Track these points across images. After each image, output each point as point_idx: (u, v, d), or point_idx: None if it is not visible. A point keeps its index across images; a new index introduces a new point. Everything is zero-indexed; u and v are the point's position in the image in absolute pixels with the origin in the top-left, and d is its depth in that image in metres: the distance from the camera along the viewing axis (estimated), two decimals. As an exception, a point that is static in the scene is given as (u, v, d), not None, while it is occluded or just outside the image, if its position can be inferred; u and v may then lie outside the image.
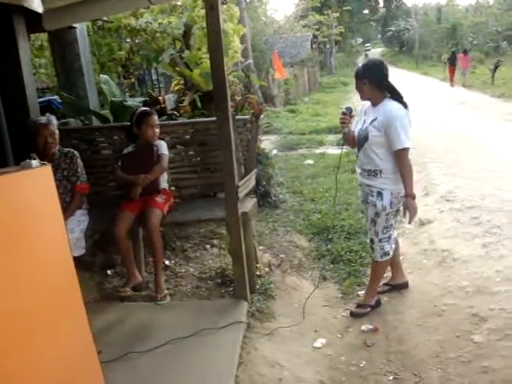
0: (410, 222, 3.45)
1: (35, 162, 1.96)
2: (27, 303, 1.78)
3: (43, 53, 7.06)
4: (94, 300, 3.78)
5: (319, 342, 3.25)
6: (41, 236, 1.93)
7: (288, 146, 10.43)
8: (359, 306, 3.63)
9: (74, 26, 4.77)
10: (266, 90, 16.70)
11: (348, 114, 3.49)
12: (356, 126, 3.52)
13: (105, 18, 6.16)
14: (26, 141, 3.57)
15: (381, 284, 3.95)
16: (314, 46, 30.40)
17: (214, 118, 3.56)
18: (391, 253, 3.53)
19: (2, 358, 1.61)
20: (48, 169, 2.02)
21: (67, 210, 3.58)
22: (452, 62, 23.10)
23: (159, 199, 3.74)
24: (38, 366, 1.80)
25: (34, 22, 3.93)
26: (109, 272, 4.16)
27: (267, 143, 9.21)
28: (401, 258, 4.41)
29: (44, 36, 6.46)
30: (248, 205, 3.74)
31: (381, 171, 3.31)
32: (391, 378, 2.86)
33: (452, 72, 23.00)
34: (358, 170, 3.54)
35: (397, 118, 3.20)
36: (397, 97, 3.32)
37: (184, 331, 3.10)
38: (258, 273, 3.92)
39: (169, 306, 3.59)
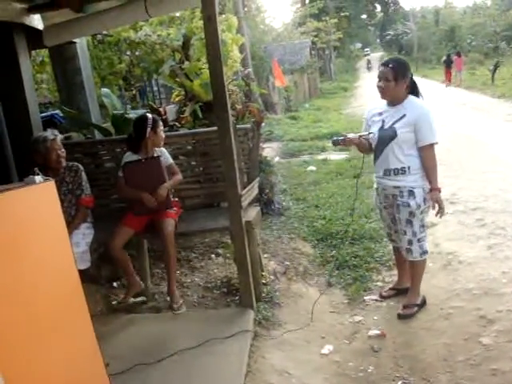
0: (441, 216, 3.44)
1: (38, 178, 1.98)
2: (33, 317, 1.78)
3: (45, 68, 7.12)
4: (100, 313, 3.78)
5: (326, 349, 3.24)
6: (45, 250, 1.94)
7: (290, 153, 10.44)
8: (405, 307, 3.58)
9: (74, 41, 4.81)
10: (266, 97, 16.74)
11: (340, 140, 3.50)
12: (371, 129, 3.50)
13: (104, 32, 6.21)
14: (30, 156, 3.59)
15: (386, 288, 3.95)
16: (313, 52, 30.48)
17: (215, 128, 3.58)
18: (428, 249, 3.53)
19: (9, 373, 1.61)
20: (51, 184, 2.03)
21: (72, 224, 3.59)
22: (447, 64, 23.75)
23: (170, 210, 3.73)
24: (45, 382, 1.81)
25: (34, 38, 3.98)
26: (115, 284, 4.17)
27: (269, 151, 9.21)
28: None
29: (45, 52, 6.52)
30: (251, 213, 3.74)
31: (409, 168, 3.33)
32: (400, 382, 2.85)
33: (448, 74, 23.63)
34: (380, 173, 3.49)
35: (428, 113, 3.32)
36: (418, 94, 3.41)
37: (191, 341, 3.11)
38: (263, 281, 3.92)
39: (175, 317, 3.59)
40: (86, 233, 3.71)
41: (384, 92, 3.38)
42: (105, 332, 3.32)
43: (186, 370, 2.87)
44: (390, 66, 3.32)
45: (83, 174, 3.75)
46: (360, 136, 3.50)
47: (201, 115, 5.66)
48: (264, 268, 4.11)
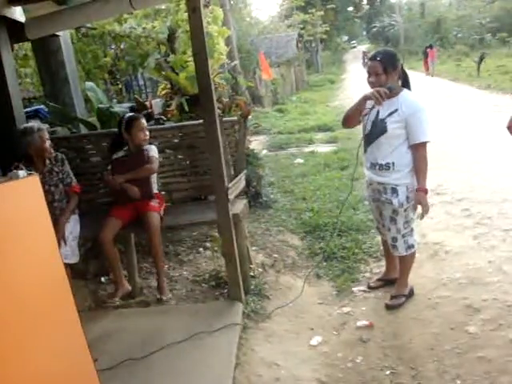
0: (421, 219, 3.35)
1: (22, 172, 1.95)
2: (19, 315, 1.76)
3: (28, 62, 7.02)
4: (88, 308, 3.77)
5: (315, 340, 3.25)
6: (30, 246, 1.91)
7: (278, 146, 10.44)
8: (393, 297, 3.58)
9: (58, 34, 4.74)
10: (253, 90, 16.72)
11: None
12: (366, 117, 3.35)
13: (88, 25, 6.14)
14: (16, 150, 3.54)
15: (374, 279, 3.97)
16: (299, 45, 30.44)
17: (201, 121, 3.56)
18: (415, 244, 3.48)
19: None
20: (35, 178, 2.00)
21: (67, 211, 3.62)
22: (426, 55, 26.46)
23: (153, 203, 3.73)
24: (32, 379, 1.79)
25: (16, 31, 3.90)
26: (103, 279, 4.15)
27: (256, 144, 9.21)
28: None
29: (28, 45, 6.43)
30: (239, 206, 3.74)
31: (393, 164, 3.24)
32: (388, 372, 2.87)
33: (426, 64, 26.54)
34: (367, 165, 3.44)
35: (422, 110, 3.18)
36: (409, 86, 3.31)
37: (180, 335, 3.11)
38: (251, 274, 3.93)
39: (164, 311, 3.59)
40: (74, 226, 3.69)
41: (375, 85, 3.20)
42: (93, 327, 3.31)
43: (174, 364, 2.87)
44: (378, 58, 3.19)
45: (67, 162, 3.75)
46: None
47: (187, 108, 5.62)
48: (252, 261, 4.11)
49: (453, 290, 3.57)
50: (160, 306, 3.68)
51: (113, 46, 6.79)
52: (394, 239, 3.43)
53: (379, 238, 4.78)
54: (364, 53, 39.08)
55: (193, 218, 3.83)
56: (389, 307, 3.55)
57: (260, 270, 4.13)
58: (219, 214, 3.41)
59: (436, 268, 3.99)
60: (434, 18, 44.39)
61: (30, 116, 5.88)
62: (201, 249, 4.66)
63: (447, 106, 13.53)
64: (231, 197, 3.47)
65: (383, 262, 4.15)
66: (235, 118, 4.38)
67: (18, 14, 3.79)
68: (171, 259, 4.48)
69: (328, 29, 39.50)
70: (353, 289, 3.95)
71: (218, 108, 5.61)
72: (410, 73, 3.45)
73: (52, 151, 3.64)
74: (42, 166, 3.58)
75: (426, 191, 3.23)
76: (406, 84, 3.34)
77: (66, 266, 3.12)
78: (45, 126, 3.67)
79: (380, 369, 2.91)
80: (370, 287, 3.89)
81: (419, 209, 3.34)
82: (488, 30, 36.41)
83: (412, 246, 3.47)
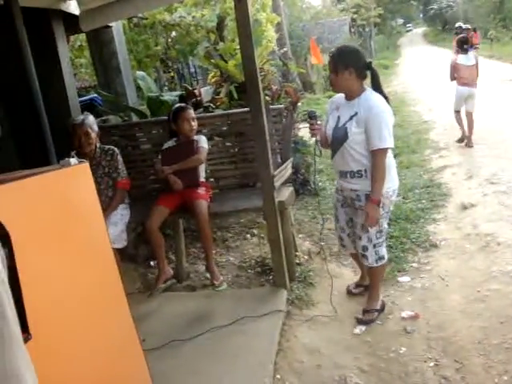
0: (367, 227, 3.08)
1: (73, 160, 2.03)
2: (70, 299, 1.84)
3: (83, 53, 7.27)
4: (138, 290, 3.92)
5: (359, 329, 3.24)
6: (81, 231, 2.00)
7: (327, 133, 10.30)
8: (365, 311, 3.38)
9: (110, 25, 4.89)
10: (305, 77, 16.57)
11: (314, 119, 3.18)
12: (328, 125, 3.16)
13: (140, 15, 6.27)
14: (68, 140, 3.70)
15: (354, 285, 3.76)
16: (352, 29, 29.85)
17: (248, 109, 3.59)
18: (386, 256, 3.26)
19: (47, 356, 1.67)
20: (86, 166, 2.08)
21: (110, 205, 3.71)
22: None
23: (200, 191, 3.82)
24: (81, 358, 1.88)
25: (71, 23, 4.07)
26: (152, 263, 4.28)
27: (306, 131, 9.12)
28: (443, 242, 4.35)
29: (83, 36, 6.65)
30: (285, 193, 3.75)
31: (365, 171, 2.99)
32: (431, 364, 2.82)
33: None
34: (337, 174, 3.22)
35: (380, 113, 2.88)
36: (379, 89, 3.03)
37: (224, 319, 3.18)
38: (297, 261, 3.95)
39: (210, 295, 3.67)
40: (123, 213, 3.82)
41: (332, 85, 3.10)
42: (142, 310, 3.44)
43: (218, 347, 2.95)
44: (330, 55, 2.98)
45: (119, 157, 3.83)
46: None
47: (236, 96, 5.67)
48: (298, 248, 4.13)
49: (504, 284, 3.46)
50: (206, 291, 3.77)
51: (164, 35, 6.91)
52: (365, 248, 3.19)
53: (428, 228, 4.70)
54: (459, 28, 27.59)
55: (238, 204, 3.88)
56: (360, 322, 3.33)
57: (306, 257, 4.14)
58: (265, 202, 3.44)
59: (487, 260, 3.87)
60: (496, -4, 42.13)
61: (86, 104, 6.11)
62: (248, 235, 4.72)
63: (505, 92, 12.89)
64: (277, 184, 3.50)
65: (431, 253, 4.08)
66: (282, 105, 4.37)
67: (72, 7, 3.93)
68: (218, 245, 4.57)
69: (382, 12, 38.39)
70: (398, 278, 3.89)
71: (267, 95, 5.63)
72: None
73: (86, 146, 3.68)
74: (89, 156, 3.67)
75: (378, 202, 2.95)
76: (374, 84, 3.07)
77: (115, 250, 3.24)
78: (88, 120, 3.69)
79: (423, 360, 2.86)
80: (350, 293, 3.70)
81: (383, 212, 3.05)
82: (557, 7, 34.19)
83: (382, 258, 3.24)
